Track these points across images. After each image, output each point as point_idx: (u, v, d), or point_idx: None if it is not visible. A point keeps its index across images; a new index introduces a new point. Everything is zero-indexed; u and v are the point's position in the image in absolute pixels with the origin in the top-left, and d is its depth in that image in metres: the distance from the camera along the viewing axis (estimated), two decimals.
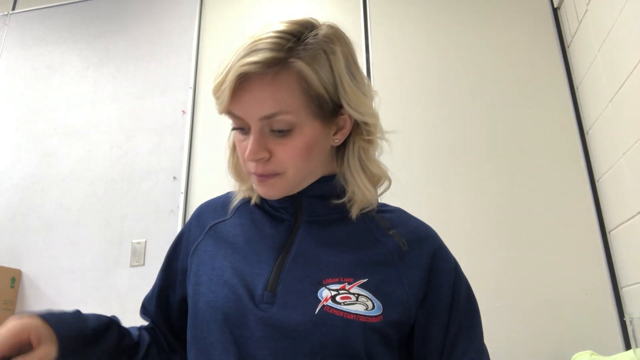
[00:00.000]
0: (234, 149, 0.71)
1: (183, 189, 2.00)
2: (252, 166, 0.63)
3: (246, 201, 0.74)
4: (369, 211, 0.70)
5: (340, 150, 0.69)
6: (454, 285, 0.66)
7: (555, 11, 1.94)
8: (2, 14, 2.56)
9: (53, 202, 2.13)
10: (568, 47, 1.87)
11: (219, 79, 0.61)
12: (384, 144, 0.73)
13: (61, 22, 2.46)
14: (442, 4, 2.05)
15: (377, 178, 0.70)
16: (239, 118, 0.62)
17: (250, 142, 0.61)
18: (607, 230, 1.62)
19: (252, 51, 0.59)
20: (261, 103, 0.60)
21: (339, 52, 0.63)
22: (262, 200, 0.72)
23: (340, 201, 0.67)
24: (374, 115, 0.68)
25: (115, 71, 2.29)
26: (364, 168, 0.68)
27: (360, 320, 0.58)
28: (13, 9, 2.57)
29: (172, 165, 2.05)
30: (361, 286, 0.60)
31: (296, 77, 0.60)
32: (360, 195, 0.67)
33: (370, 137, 0.68)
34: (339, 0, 2.17)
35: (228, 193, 0.77)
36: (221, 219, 0.73)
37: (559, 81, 1.84)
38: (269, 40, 0.60)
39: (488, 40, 1.96)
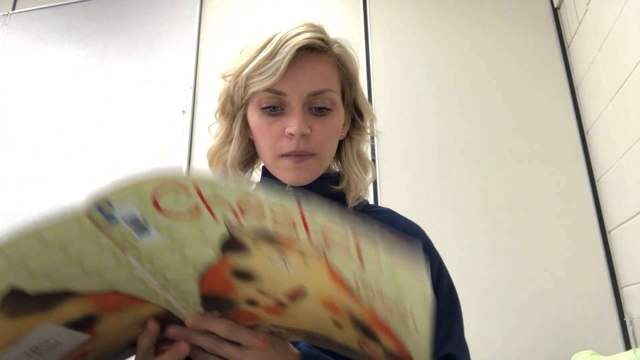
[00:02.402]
0: (239, 138, 0.70)
1: None
2: (290, 144, 0.63)
3: None
4: (361, 210, 0.72)
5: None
6: (437, 282, 0.68)
7: (555, 11, 1.94)
8: (2, 14, 2.56)
9: (53, 202, 2.13)
10: (568, 47, 1.87)
11: (266, 52, 0.62)
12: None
13: (61, 22, 2.46)
14: (442, 4, 2.05)
15: (365, 168, 0.75)
16: (279, 96, 0.63)
17: (295, 117, 0.62)
18: (607, 230, 1.62)
19: (301, 32, 0.63)
20: (313, 79, 0.63)
21: (353, 55, 0.72)
22: None
23: (339, 187, 0.70)
24: (373, 114, 0.75)
25: (115, 71, 2.29)
26: (359, 158, 0.73)
27: None
28: (13, 9, 2.56)
29: (172, 165, 2.05)
30: None
31: (337, 61, 0.67)
32: (355, 180, 0.71)
33: (363, 133, 0.74)
34: (339, 0, 2.17)
35: None
36: None
37: (559, 81, 1.84)
38: (306, 27, 0.64)
39: (488, 40, 1.95)
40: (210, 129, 0.77)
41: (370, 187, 1.78)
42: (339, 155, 0.74)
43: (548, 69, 1.86)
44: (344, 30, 0.74)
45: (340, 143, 0.74)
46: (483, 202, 1.74)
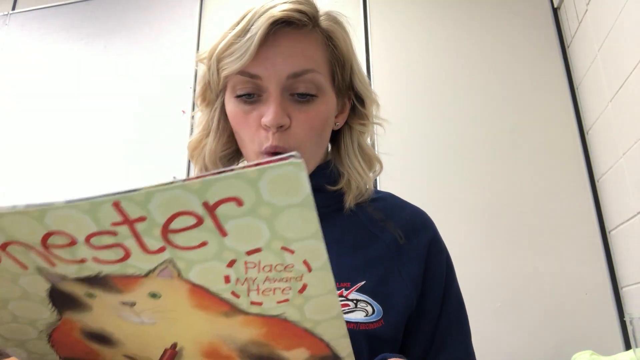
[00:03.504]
0: (218, 130, 0.62)
1: None
2: (267, 138, 0.54)
3: None
4: (362, 201, 0.65)
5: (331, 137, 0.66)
6: (447, 279, 0.63)
7: (555, 11, 1.93)
8: (2, 14, 2.55)
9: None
10: (568, 47, 1.87)
11: (237, 29, 0.54)
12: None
13: (61, 22, 2.46)
14: (442, 4, 2.05)
15: (370, 163, 0.66)
16: (254, 79, 0.55)
17: (271, 105, 0.53)
18: (607, 230, 1.62)
19: (277, 4, 0.54)
20: (292, 58, 0.54)
21: (347, 29, 0.62)
22: None
23: (336, 187, 0.63)
24: (376, 100, 0.66)
25: (115, 71, 2.29)
26: (361, 152, 0.65)
27: (360, 328, 0.54)
28: (13, 9, 2.56)
29: (172, 165, 2.05)
30: (359, 290, 0.57)
31: (324, 37, 0.58)
32: (356, 179, 0.63)
33: (366, 122, 0.65)
34: (339, 0, 2.17)
35: None
36: None
37: (559, 81, 1.84)
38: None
39: (488, 40, 1.95)
40: (195, 117, 0.68)
41: None
42: (337, 148, 0.66)
43: (548, 69, 1.86)
44: None
45: (339, 134, 0.65)
46: (482, 201, 1.74)
